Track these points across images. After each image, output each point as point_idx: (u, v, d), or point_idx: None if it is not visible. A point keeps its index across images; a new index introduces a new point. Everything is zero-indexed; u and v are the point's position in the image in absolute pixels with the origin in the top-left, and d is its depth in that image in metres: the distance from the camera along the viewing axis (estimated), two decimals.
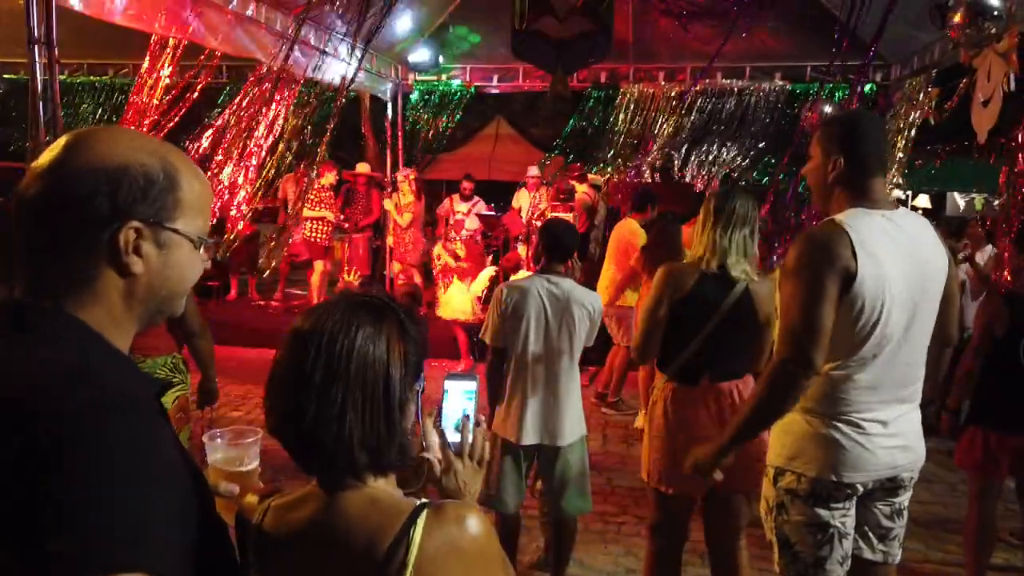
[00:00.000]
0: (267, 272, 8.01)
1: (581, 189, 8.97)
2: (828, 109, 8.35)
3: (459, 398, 1.42)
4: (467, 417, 1.38)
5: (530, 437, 3.10)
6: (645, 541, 3.73)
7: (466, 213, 8.85)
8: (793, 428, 2.16)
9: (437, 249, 7.96)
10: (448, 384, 1.43)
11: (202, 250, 1.06)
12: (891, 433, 2.11)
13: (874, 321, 2.02)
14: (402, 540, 1.02)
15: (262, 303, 8.94)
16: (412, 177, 8.44)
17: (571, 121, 10.29)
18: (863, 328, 2.03)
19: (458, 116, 10.40)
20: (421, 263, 8.65)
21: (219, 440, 1.36)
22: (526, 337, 3.11)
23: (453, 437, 1.39)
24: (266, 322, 8.04)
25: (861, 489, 2.15)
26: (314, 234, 8.29)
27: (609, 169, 9.85)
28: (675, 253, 5.13)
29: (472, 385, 1.42)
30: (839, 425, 2.09)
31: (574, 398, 3.20)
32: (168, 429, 0.99)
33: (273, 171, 7.62)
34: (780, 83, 9.25)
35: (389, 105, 9.64)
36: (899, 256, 2.05)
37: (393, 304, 1.14)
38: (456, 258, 7.70)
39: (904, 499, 2.24)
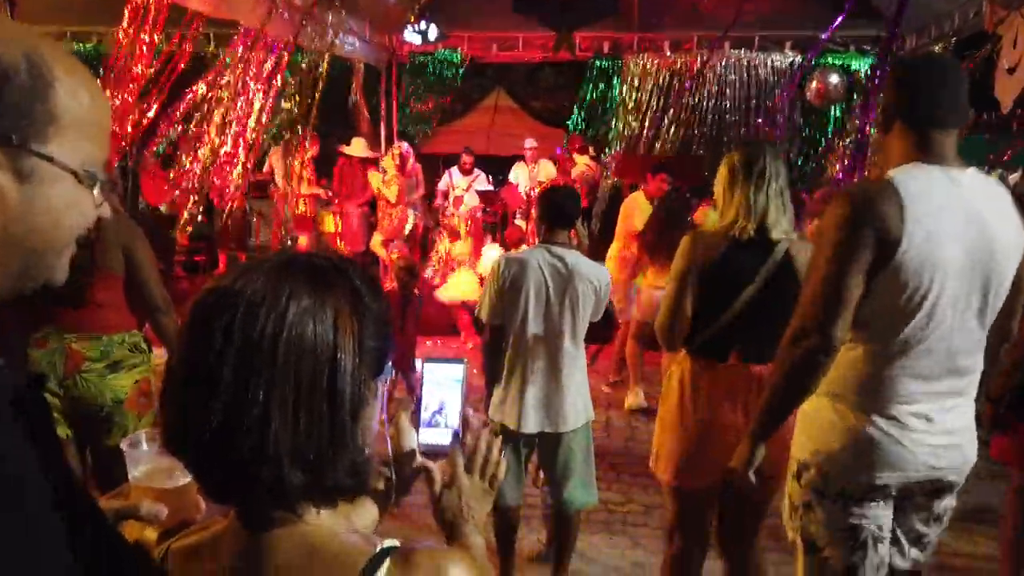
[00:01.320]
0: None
1: (582, 162, 8.66)
2: (835, 80, 8.01)
3: (441, 386, 1.15)
4: (486, 424, 1.11)
5: (531, 425, 2.83)
6: (659, 538, 3.51)
7: (465, 189, 8.55)
8: (821, 418, 1.88)
9: (443, 246, 7.63)
10: (427, 369, 1.15)
11: (96, 192, 0.77)
12: (936, 430, 1.82)
13: (921, 297, 1.72)
14: None
15: None
16: (397, 152, 8.11)
17: (580, 93, 9.90)
18: (907, 304, 1.73)
19: (457, 83, 10.01)
20: (413, 238, 8.36)
21: (142, 447, 1.03)
22: (525, 314, 2.83)
23: (428, 437, 1.12)
24: None
25: (894, 491, 1.87)
26: (303, 210, 8.05)
27: (612, 144, 9.50)
28: (680, 233, 4.88)
29: (458, 371, 1.14)
30: (876, 419, 1.80)
31: (578, 380, 2.92)
32: (43, 431, 0.72)
33: (263, 141, 7.34)
34: (791, 54, 8.88)
35: (383, 76, 9.27)
36: (960, 223, 1.73)
37: (346, 267, 0.83)
38: (455, 236, 7.41)
39: (946, 505, 1.96)
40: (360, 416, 0.80)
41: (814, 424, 1.90)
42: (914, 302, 1.73)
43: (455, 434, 1.10)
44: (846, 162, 7.43)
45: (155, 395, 2.72)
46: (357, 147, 8.57)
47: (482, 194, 8.58)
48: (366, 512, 1.10)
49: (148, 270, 2.61)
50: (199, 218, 6.92)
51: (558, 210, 2.93)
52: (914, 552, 1.99)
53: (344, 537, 0.81)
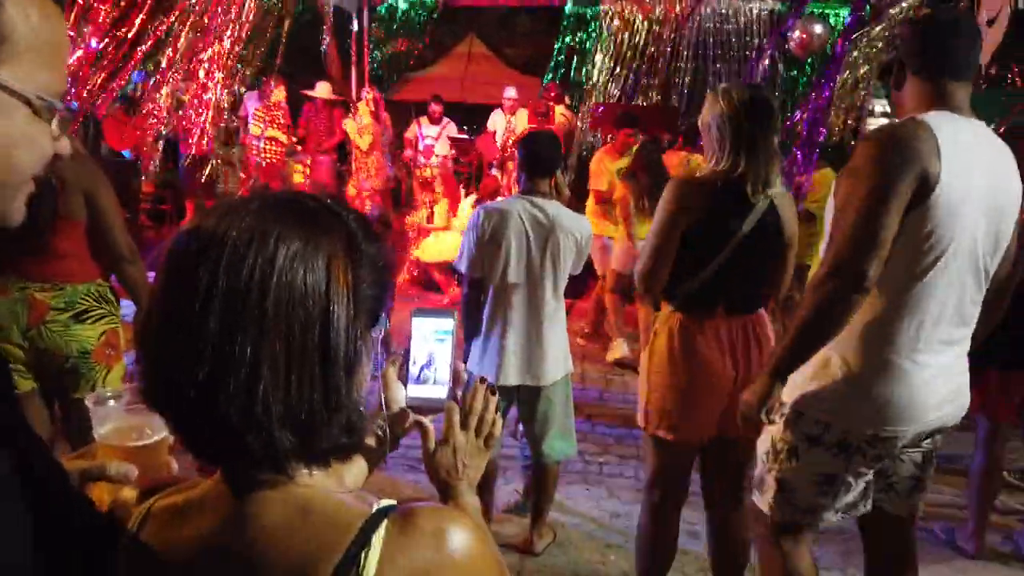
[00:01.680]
0: None
1: (558, 111, 8.51)
2: (818, 29, 7.92)
3: (429, 340, 1.09)
4: (482, 379, 1.06)
5: (511, 378, 2.80)
6: (635, 488, 3.53)
7: (435, 137, 8.37)
8: (827, 369, 1.86)
9: (418, 217, 7.40)
10: (416, 322, 1.09)
11: (54, 125, 0.70)
12: (942, 378, 1.84)
13: (946, 242, 1.71)
14: (348, 569, 0.69)
15: None
16: (370, 97, 7.89)
17: (556, 40, 9.69)
18: (933, 248, 1.72)
19: (428, 27, 9.74)
20: (387, 189, 8.19)
21: (109, 403, 0.96)
22: (506, 266, 2.77)
23: (417, 392, 1.07)
24: None
25: (901, 444, 1.88)
26: (266, 155, 7.82)
27: (590, 94, 9.34)
28: (660, 180, 4.86)
29: (447, 323, 1.09)
30: (886, 371, 1.79)
31: (558, 333, 2.89)
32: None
33: (234, 86, 7.10)
34: (771, 2, 8.76)
35: (354, 19, 8.98)
36: (981, 170, 1.73)
37: (340, 208, 0.77)
38: (430, 189, 7.25)
39: (937, 443, 1.99)
40: (355, 371, 0.74)
41: (818, 373, 1.87)
42: (940, 247, 1.72)
43: (452, 388, 1.05)
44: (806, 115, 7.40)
45: (124, 347, 2.63)
46: (322, 90, 8.34)
47: (456, 143, 8.42)
48: (354, 469, 1.05)
49: (112, 216, 2.50)
50: (158, 163, 6.68)
51: (537, 157, 2.85)
52: (909, 500, 2.02)
53: (338, 498, 0.76)
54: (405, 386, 1.09)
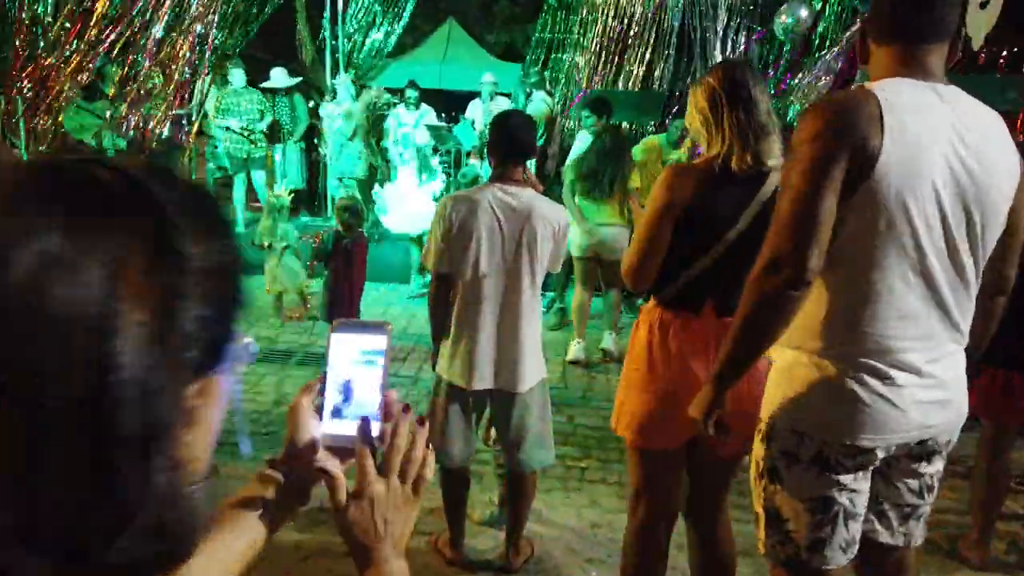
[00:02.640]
0: None
1: (539, 98, 8.26)
2: (803, 13, 7.75)
3: (354, 363, 0.85)
4: (407, 409, 0.81)
5: (483, 382, 2.56)
6: (617, 496, 3.31)
7: (414, 126, 8.09)
8: (796, 374, 1.66)
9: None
10: (335, 339, 0.85)
11: None
12: (926, 383, 1.61)
13: (903, 222, 1.51)
14: None
15: None
16: (352, 83, 7.63)
17: (537, 25, 9.42)
18: (888, 231, 1.51)
19: (406, 10, 9.45)
20: (365, 178, 7.93)
21: None
22: (476, 260, 2.53)
23: (334, 428, 0.83)
24: None
25: (882, 455, 1.66)
26: (227, 144, 7.54)
27: (570, 79, 9.10)
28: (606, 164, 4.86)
29: (379, 342, 0.84)
30: (860, 373, 1.59)
31: (534, 334, 2.65)
32: None
33: (194, 73, 6.81)
34: None
35: (328, 2, 8.68)
36: (948, 141, 1.51)
37: (149, 183, 0.47)
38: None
39: (937, 468, 1.76)
40: (156, 449, 0.46)
41: (789, 381, 1.68)
42: (896, 228, 1.51)
43: (363, 424, 0.81)
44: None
45: None
46: (276, 79, 8.04)
47: (434, 131, 8.14)
48: (238, 541, 0.80)
49: None
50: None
51: (511, 140, 2.60)
52: (904, 527, 1.79)
53: None
54: (320, 419, 0.85)
